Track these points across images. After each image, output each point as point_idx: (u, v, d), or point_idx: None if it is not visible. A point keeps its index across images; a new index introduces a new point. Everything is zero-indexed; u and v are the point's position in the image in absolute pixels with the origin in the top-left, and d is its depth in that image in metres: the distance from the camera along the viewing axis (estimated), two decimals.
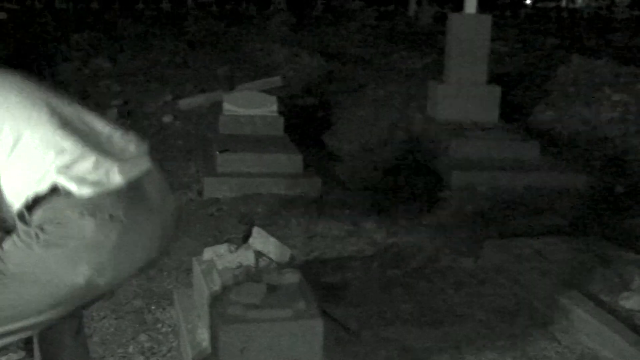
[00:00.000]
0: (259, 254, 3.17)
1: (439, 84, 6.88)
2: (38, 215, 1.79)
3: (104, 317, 3.38)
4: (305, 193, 5.23)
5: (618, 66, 8.50)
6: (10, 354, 2.89)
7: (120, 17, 11.96)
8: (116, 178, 1.83)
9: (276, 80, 8.00)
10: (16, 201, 1.82)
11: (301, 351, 2.73)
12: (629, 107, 7.33)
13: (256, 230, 3.36)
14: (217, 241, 4.28)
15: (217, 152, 5.45)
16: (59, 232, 1.77)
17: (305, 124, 6.96)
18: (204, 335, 2.93)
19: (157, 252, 2.00)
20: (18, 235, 1.81)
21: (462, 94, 6.73)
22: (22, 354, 2.91)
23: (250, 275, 2.99)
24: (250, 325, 2.71)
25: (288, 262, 3.18)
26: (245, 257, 3.13)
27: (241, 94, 6.76)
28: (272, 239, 3.30)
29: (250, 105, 6.30)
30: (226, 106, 6.35)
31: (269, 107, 6.32)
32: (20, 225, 1.82)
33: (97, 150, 1.85)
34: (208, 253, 3.23)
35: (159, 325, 3.35)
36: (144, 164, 1.94)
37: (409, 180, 5.74)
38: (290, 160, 5.50)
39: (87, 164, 1.81)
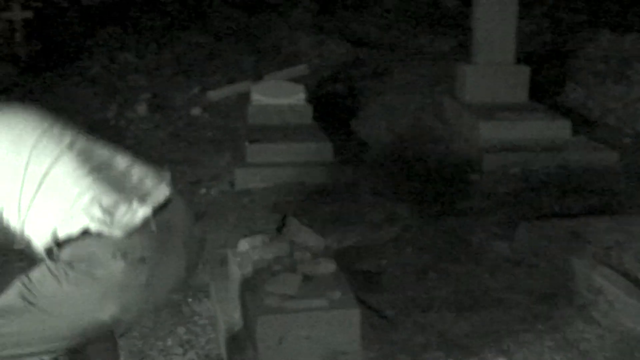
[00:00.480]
0: (293, 244, 3.19)
1: (467, 66, 6.81)
2: (67, 252, 1.81)
3: None
4: (337, 181, 5.22)
5: None
6: None
7: (145, 11, 11.98)
8: (140, 214, 1.84)
9: (303, 69, 8.00)
10: (41, 235, 1.84)
11: (339, 340, 2.75)
12: None
13: (290, 221, 3.38)
14: (251, 232, 4.30)
15: (247, 143, 5.46)
16: (89, 271, 1.79)
17: (333, 112, 6.93)
18: (241, 327, 2.95)
19: (182, 283, 2.02)
20: (49, 269, 1.83)
21: (490, 75, 6.66)
22: None
23: (286, 266, 3.01)
24: (287, 316, 2.73)
25: (322, 251, 3.19)
26: (280, 247, 3.15)
27: (269, 83, 6.77)
28: (306, 229, 3.31)
29: (278, 95, 6.30)
30: (254, 96, 6.35)
31: (297, 96, 6.32)
32: (48, 261, 1.84)
33: (118, 187, 1.87)
34: (243, 245, 3.25)
35: (196, 318, 3.38)
36: (165, 194, 1.95)
37: (439, 165, 5.70)
38: (320, 149, 5.50)
39: (110, 201, 1.82)
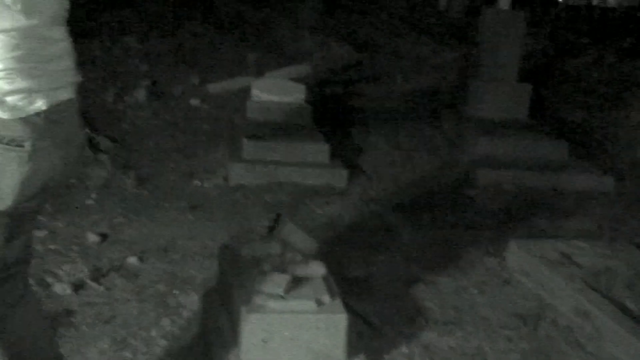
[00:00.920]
0: (284, 244, 3.16)
1: (470, 79, 6.82)
2: None
3: (127, 300, 3.38)
4: (332, 184, 5.21)
5: None
6: None
7: None
8: (37, 104, 1.83)
9: (305, 68, 7.97)
10: None
11: (324, 344, 2.73)
12: None
13: (283, 221, 3.36)
14: (242, 228, 4.28)
15: (245, 138, 5.43)
16: None
17: (332, 114, 6.92)
18: (226, 324, 2.92)
19: (57, 182, 2.00)
20: None
21: (493, 90, 6.67)
22: None
23: (276, 266, 2.98)
24: (274, 316, 2.70)
25: (313, 253, 3.17)
26: (271, 247, 3.13)
27: (270, 80, 6.74)
28: (299, 230, 3.30)
29: (279, 93, 6.28)
30: (254, 92, 6.32)
31: (298, 95, 6.29)
32: None
33: (35, 74, 1.83)
34: (233, 241, 3.23)
35: (181, 310, 3.35)
36: (68, 96, 1.95)
37: (434, 176, 5.70)
38: (317, 150, 5.48)
39: (15, 86, 1.80)
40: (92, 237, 4.06)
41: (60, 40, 1.93)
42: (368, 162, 5.91)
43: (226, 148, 5.77)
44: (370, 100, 7.44)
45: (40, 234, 4.01)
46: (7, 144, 1.79)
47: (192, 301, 3.40)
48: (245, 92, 6.64)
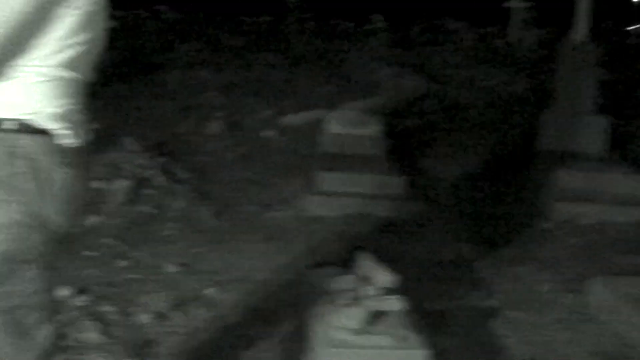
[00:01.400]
0: (362, 278, 3.17)
1: (545, 112, 6.74)
2: None
3: (207, 330, 3.42)
4: (407, 216, 5.20)
5: None
6: None
7: (224, 29, 12.18)
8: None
9: (378, 100, 8.00)
10: None
11: None
12: None
13: (359, 253, 3.36)
14: (319, 260, 4.30)
15: (320, 171, 5.48)
16: None
17: (406, 146, 6.92)
18: (306, 357, 2.94)
19: None
20: None
21: (569, 122, 6.56)
22: None
23: (354, 300, 2.99)
24: (354, 351, 2.71)
25: (391, 287, 3.16)
26: (349, 281, 3.13)
27: (343, 113, 6.77)
28: (376, 264, 3.29)
29: (352, 125, 6.30)
30: (328, 125, 6.37)
31: (371, 128, 6.31)
32: None
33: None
34: (310, 273, 3.25)
35: (260, 342, 3.37)
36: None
37: (511, 209, 5.63)
38: (392, 182, 5.48)
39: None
40: (172, 267, 4.14)
41: None
42: (442, 194, 5.88)
43: (302, 180, 5.82)
44: (443, 131, 7.42)
45: (121, 263, 4.11)
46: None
47: (270, 332, 3.42)
48: (319, 124, 6.70)
